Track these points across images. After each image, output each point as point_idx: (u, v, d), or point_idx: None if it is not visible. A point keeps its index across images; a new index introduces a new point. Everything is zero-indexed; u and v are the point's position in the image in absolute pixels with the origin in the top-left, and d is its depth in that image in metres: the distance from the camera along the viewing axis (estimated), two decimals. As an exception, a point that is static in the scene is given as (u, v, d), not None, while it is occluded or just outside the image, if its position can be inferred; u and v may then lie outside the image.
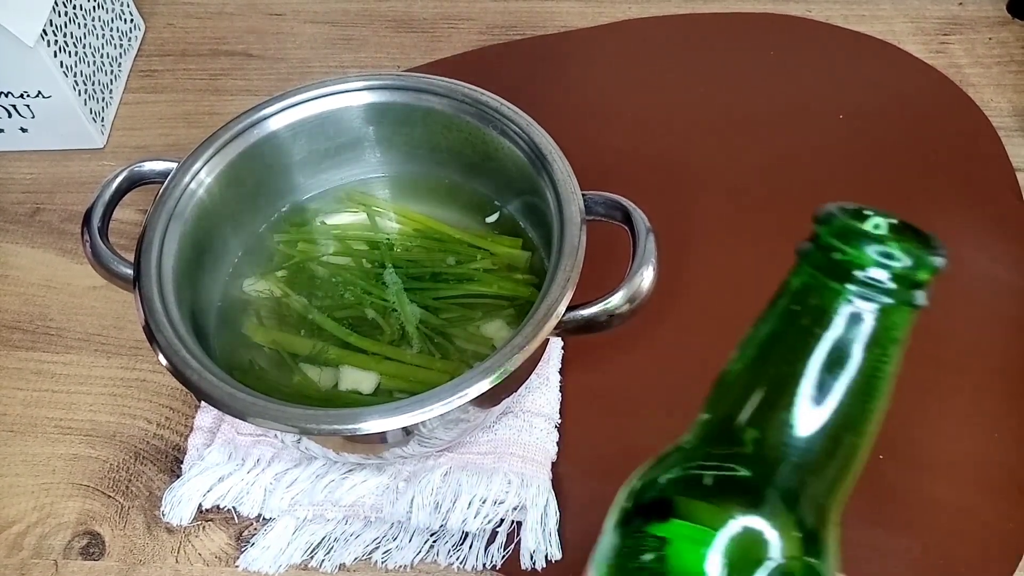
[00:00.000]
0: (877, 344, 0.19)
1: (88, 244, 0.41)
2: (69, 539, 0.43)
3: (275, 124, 0.45)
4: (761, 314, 0.21)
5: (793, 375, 0.19)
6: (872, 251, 0.18)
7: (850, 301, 0.19)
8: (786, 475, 0.20)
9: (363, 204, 0.48)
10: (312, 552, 0.42)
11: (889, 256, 0.18)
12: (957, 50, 0.63)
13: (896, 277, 0.18)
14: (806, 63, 0.62)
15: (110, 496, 0.45)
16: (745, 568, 0.20)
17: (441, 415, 0.34)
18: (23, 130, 0.58)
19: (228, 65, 0.64)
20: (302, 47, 0.65)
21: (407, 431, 0.37)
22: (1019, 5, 0.64)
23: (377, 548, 0.42)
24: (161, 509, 0.43)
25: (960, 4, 0.66)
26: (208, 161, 0.43)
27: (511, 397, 0.42)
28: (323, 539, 0.43)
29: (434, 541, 0.42)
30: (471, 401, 0.35)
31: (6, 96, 0.55)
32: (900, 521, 0.42)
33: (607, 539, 0.22)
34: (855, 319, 0.19)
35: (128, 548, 0.43)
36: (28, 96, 0.55)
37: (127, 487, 0.45)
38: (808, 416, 0.19)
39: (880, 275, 0.18)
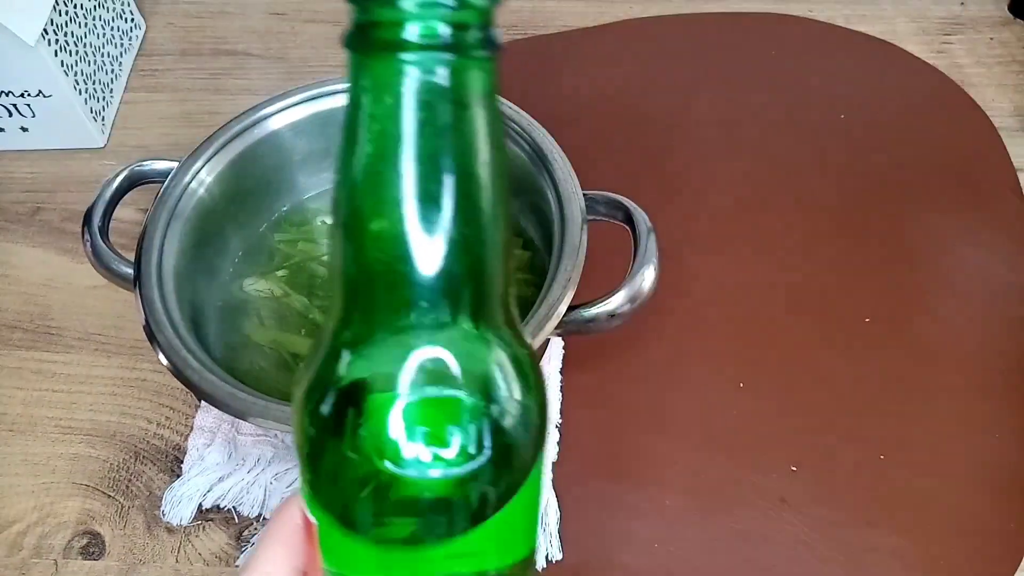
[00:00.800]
0: (461, 109, 0.17)
1: (88, 243, 0.41)
2: (69, 539, 0.43)
3: (276, 123, 0.44)
4: (341, 140, 0.18)
5: (393, 183, 0.17)
6: (407, 6, 0.16)
7: (411, 72, 0.16)
8: (438, 291, 0.18)
9: (364, 204, 0.48)
10: (312, 552, 0.42)
11: (426, 5, 0.16)
12: (958, 50, 0.63)
13: (446, 26, 0.16)
14: (807, 63, 0.62)
15: (110, 496, 0.45)
16: (442, 402, 0.18)
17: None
18: (24, 129, 0.58)
19: (229, 64, 0.64)
20: (303, 46, 0.65)
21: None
22: (1021, 5, 0.64)
23: (377, 548, 0.42)
24: (161, 509, 0.43)
25: (962, 4, 0.66)
26: (209, 160, 0.43)
27: (512, 397, 0.42)
28: (323, 539, 0.42)
29: (434, 541, 0.42)
30: (472, 401, 0.35)
31: (7, 95, 0.55)
32: (900, 522, 0.42)
33: (308, 459, 0.20)
34: (427, 90, 0.16)
35: (128, 548, 0.43)
36: (29, 95, 0.55)
37: (127, 487, 0.45)
38: (429, 218, 0.17)
39: (423, 30, 0.16)
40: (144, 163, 0.43)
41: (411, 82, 0.16)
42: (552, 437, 0.44)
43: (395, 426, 0.18)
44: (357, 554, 0.20)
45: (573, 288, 0.37)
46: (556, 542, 0.41)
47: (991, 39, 0.63)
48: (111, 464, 0.46)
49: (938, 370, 0.47)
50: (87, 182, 0.57)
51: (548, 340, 0.38)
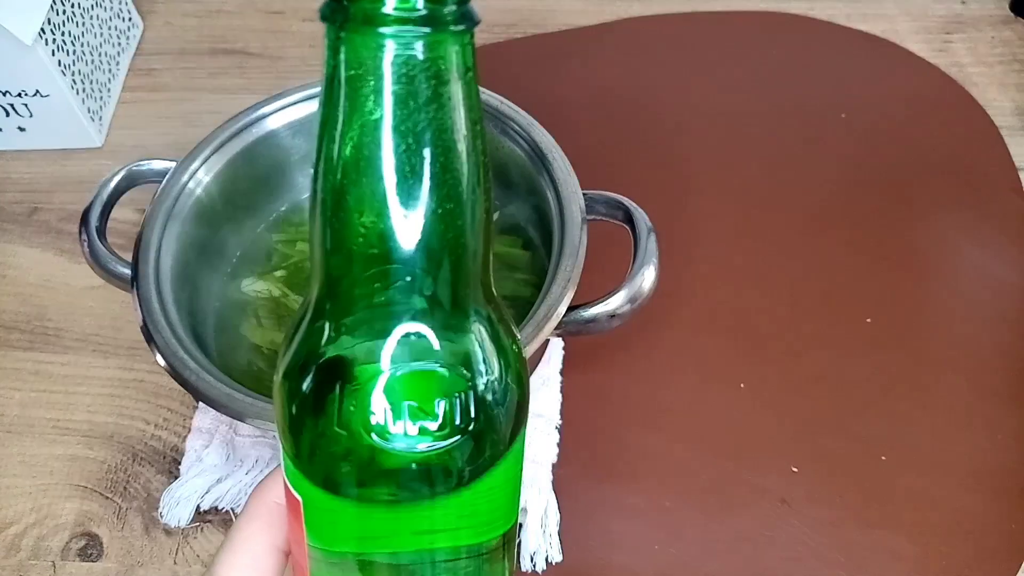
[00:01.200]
0: (438, 83, 0.17)
1: (86, 244, 0.40)
2: (67, 540, 0.43)
3: (274, 123, 0.44)
4: (319, 114, 0.18)
5: (371, 158, 0.17)
6: None
7: (388, 45, 0.16)
8: (419, 267, 0.18)
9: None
10: (311, 554, 0.42)
11: None
12: (960, 49, 0.62)
13: (423, 0, 0.16)
14: (808, 62, 0.62)
15: (108, 497, 0.44)
16: (425, 375, 0.19)
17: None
18: (21, 129, 0.58)
19: (227, 64, 0.64)
20: (301, 45, 0.65)
21: (406, 432, 0.36)
22: (1022, 4, 0.64)
23: (376, 550, 0.42)
24: (159, 510, 0.43)
25: (963, 3, 0.65)
26: (206, 160, 0.43)
27: (511, 398, 0.42)
28: (322, 541, 0.42)
29: (434, 543, 0.42)
30: (471, 402, 0.34)
31: (4, 95, 0.55)
32: (901, 522, 0.42)
33: (289, 439, 0.20)
34: (404, 64, 0.16)
35: (126, 549, 0.43)
36: (26, 95, 0.55)
37: (125, 488, 0.45)
38: (409, 193, 0.17)
39: (400, 3, 0.16)
40: (142, 163, 0.43)
41: (387, 55, 0.16)
42: (552, 438, 0.44)
43: (379, 400, 0.18)
44: (341, 529, 0.20)
45: (573, 288, 0.37)
46: (556, 543, 0.41)
47: (992, 38, 0.63)
48: (109, 465, 0.45)
49: (939, 370, 0.47)
50: (85, 182, 0.57)
51: (548, 340, 0.38)
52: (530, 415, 0.47)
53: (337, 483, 0.19)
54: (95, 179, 0.43)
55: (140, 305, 0.38)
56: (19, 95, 0.55)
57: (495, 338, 0.20)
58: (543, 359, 0.46)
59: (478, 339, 0.19)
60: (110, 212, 0.42)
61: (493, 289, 0.20)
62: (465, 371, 0.19)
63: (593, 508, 0.43)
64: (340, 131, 0.17)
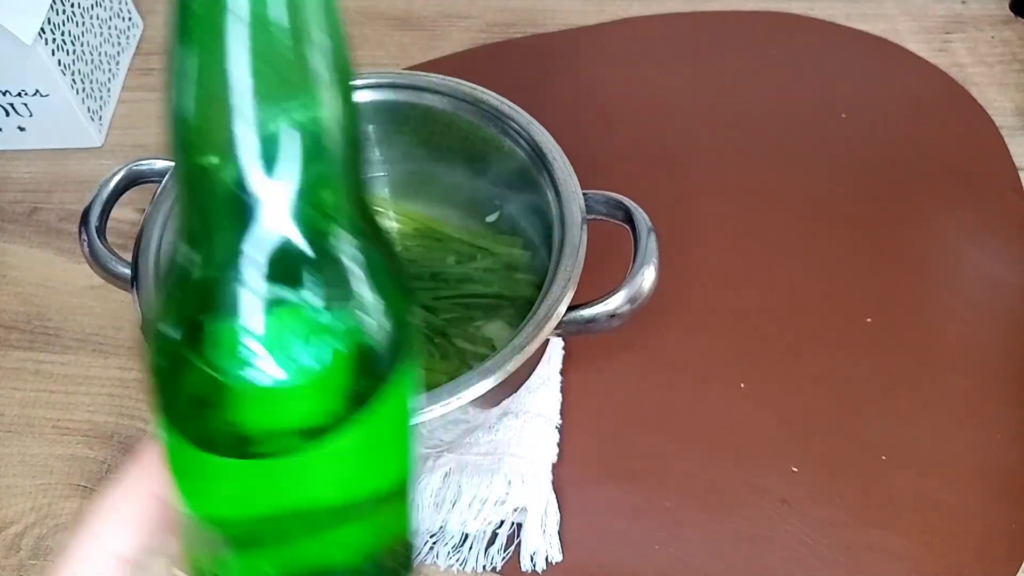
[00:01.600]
0: None
1: (86, 243, 0.40)
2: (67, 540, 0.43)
3: (274, 123, 0.44)
4: (168, 53, 0.16)
5: (215, 67, 0.15)
6: None
7: None
8: (277, 189, 0.16)
9: (362, 203, 0.48)
10: (311, 553, 0.42)
11: None
12: (960, 49, 0.62)
13: None
14: (808, 61, 0.62)
15: (108, 497, 0.44)
16: (281, 306, 0.17)
17: (440, 416, 0.34)
18: (21, 129, 0.58)
19: (227, 63, 0.64)
20: (301, 45, 0.65)
21: (406, 432, 0.36)
22: (1022, 4, 0.64)
23: (376, 549, 0.42)
24: (159, 510, 0.43)
25: (963, 3, 0.65)
26: (206, 160, 0.43)
27: (511, 397, 0.42)
28: (322, 540, 0.42)
29: (434, 543, 0.42)
30: (471, 402, 0.34)
31: (4, 95, 0.55)
32: (902, 522, 0.42)
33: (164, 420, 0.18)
34: None
35: (126, 549, 0.43)
36: (26, 95, 0.55)
37: (125, 488, 0.45)
38: (259, 102, 0.15)
39: None
40: (142, 162, 0.43)
41: None
42: (552, 438, 0.44)
43: (227, 328, 0.16)
44: (201, 482, 0.18)
45: (573, 288, 0.37)
46: (556, 543, 0.41)
47: (992, 38, 0.63)
48: (109, 465, 0.45)
49: (940, 370, 0.47)
50: (85, 182, 0.57)
51: (548, 340, 0.38)
52: (530, 415, 0.47)
53: (189, 425, 0.17)
54: (95, 179, 0.43)
55: (140, 305, 0.38)
56: (19, 95, 0.55)
57: (365, 258, 0.17)
58: (543, 359, 0.46)
59: (341, 261, 0.17)
60: (110, 212, 0.42)
61: (369, 210, 0.18)
62: (323, 297, 0.17)
63: (593, 508, 0.43)
64: (178, 39, 0.15)
